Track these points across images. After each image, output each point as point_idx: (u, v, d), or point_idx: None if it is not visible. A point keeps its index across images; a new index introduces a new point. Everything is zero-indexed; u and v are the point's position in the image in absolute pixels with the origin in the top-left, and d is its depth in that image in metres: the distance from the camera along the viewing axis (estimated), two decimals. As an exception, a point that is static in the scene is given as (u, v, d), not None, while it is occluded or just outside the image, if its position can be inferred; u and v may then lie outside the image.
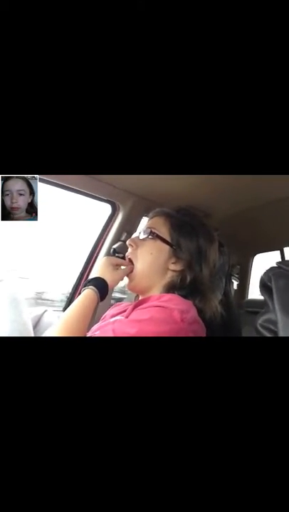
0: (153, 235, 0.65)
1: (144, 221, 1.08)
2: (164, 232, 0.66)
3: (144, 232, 0.67)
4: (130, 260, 0.66)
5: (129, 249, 0.68)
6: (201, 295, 0.63)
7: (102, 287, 0.61)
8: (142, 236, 0.67)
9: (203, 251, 0.65)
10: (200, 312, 0.60)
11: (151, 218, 0.71)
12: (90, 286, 0.61)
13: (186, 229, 0.66)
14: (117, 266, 0.66)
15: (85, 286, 0.62)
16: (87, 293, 0.60)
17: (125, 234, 1.04)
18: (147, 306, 0.57)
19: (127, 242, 0.69)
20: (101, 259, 0.68)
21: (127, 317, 0.60)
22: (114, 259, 0.67)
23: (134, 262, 0.66)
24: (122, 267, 0.66)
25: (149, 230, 0.66)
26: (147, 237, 0.66)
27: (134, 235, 0.71)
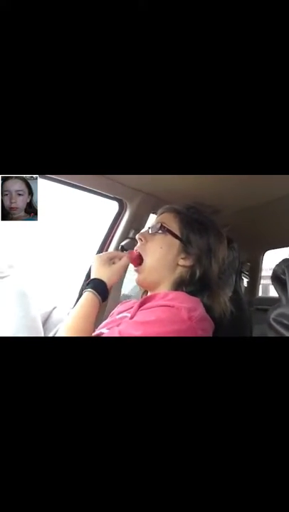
0: (163, 229, 0.65)
1: (152, 218, 1.07)
2: (174, 227, 0.65)
3: (154, 226, 0.67)
4: (139, 254, 0.66)
5: (138, 243, 0.67)
6: (209, 291, 0.62)
7: (101, 288, 0.61)
8: (152, 231, 0.66)
9: (213, 249, 0.64)
10: (209, 309, 0.59)
11: (160, 214, 0.70)
12: (89, 289, 0.60)
13: (196, 226, 0.65)
14: (112, 260, 0.65)
15: (84, 289, 0.62)
16: (87, 296, 0.60)
17: (133, 231, 1.04)
18: (152, 305, 0.56)
19: (137, 236, 0.68)
20: (93, 259, 0.66)
21: (132, 317, 0.58)
22: (106, 255, 0.66)
23: (144, 257, 0.65)
24: (118, 260, 0.65)
25: (159, 225, 0.65)
26: (157, 231, 0.65)
27: (143, 230, 0.70)
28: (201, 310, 0.56)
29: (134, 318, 0.56)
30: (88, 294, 0.60)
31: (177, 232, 0.65)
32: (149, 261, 0.64)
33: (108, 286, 0.62)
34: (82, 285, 1.08)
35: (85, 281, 1.08)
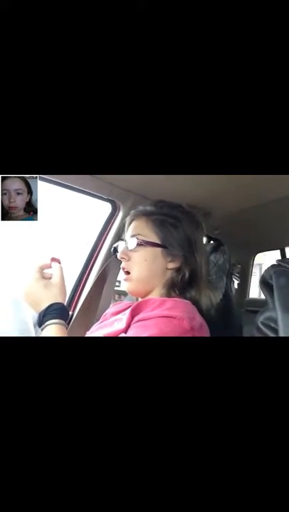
0: (141, 242, 0.63)
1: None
2: (150, 234, 0.64)
3: (130, 242, 0.64)
4: (127, 272, 0.64)
5: (123, 262, 0.65)
6: (197, 286, 0.63)
7: (61, 313, 0.55)
8: (131, 246, 0.64)
9: (192, 239, 0.65)
10: (196, 303, 0.60)
11: (130, 223, 0.68)
12: (52, 321, 0.54)
13: (169, 222, 0.64)
14: (42, 276, 0.58)
15: (44, 322, 0.55)
16: (54, 330, 0.54)
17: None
18: (151, 316, 0.54)
19: (118, 256, 0.66)
20: (24, 290, 0.58)
21: (125, 330, 0.56)
22: (33, 274, 0.57)
23: (131, 272, 0.64)
24: (47, 272, 0.59)
25: (135, 240, 0.63)
26: (136, 246, 0.63)
27: (121, 247, 0.67)
28: (198, 316, 0.56)
29: (133, 331, 0.54)
30: (54, 327, 0.53)
31: (156, 240, 0.63)
32: (137, 275, 0.63)
33: (65, 303, 0.57)
34: (76, 285, 1.07)
35: (78, 281, 1.07)
